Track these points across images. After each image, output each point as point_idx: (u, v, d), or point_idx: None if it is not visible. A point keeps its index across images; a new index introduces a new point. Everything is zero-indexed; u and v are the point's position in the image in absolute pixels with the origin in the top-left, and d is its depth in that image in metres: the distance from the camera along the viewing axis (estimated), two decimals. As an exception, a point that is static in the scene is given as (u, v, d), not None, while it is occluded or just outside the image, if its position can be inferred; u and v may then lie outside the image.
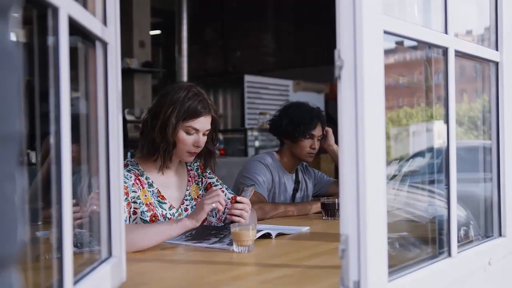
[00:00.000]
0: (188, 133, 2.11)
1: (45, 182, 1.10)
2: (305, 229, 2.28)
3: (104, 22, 1.31)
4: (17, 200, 0.51)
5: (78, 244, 1.31)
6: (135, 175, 2.11)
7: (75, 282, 1.05)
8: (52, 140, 0.97)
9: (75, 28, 1.08)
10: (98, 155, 1.32)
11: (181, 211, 2.21)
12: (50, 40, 0.98)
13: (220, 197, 1.94)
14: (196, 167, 2.34)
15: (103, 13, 1.31)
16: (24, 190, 0.52)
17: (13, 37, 0.53)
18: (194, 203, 2.26)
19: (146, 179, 2.14)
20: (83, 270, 1.17)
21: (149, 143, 2.13)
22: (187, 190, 2.26)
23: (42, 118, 0.99)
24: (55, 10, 0.96)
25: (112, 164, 1.33)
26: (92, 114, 1.31)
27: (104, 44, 1.31)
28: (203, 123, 2.12)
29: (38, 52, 1.01)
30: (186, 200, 2.25)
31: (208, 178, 2.34)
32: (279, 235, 2.11)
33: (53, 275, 0.99)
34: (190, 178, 2.29)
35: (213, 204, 1.92)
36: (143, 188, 2.11)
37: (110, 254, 1.33)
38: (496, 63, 1.74)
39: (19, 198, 0.51)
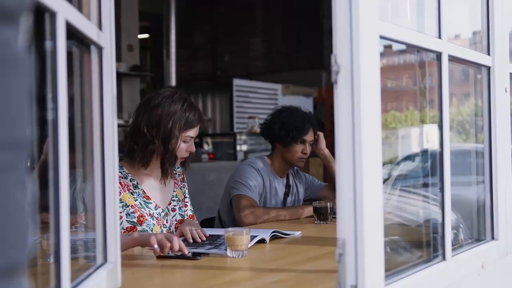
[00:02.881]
0: (185, 141, 2.21)
1: (38, 187, 1.09)
2: (297, 233, 2.28)
3: (99, 27, 1.30)
4: (27, 207, 0.51)
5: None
6: None
7: (72, 288, 1.04)
8: (50, 144, 0.96)
9: (71, 33, 1.07)
10: (93, 160, 1.31)
11: (168, 210, 2.27)
12: (47, 44, 0.97)
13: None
14: (178, 173, 2.40)
15: (98, 18, 1.31)
16: (34, 196, 0.52)
17: (22, 43, 0.52)
18: (181, 204, 2.34)
19: (130, 181, 2.19)
20: (78, 275, 1.16)
21: (149, 154, 2.15)
22: (174, 191, 2.33)
23: (37, 123, 0.98)
24: (53, 14, 0.95)
25: (107, 169, 1.32)
26: (87, 119, 1.30)
27: (100, 49, 1.30)
28: (197, 130, 2.25)
29: (34, 57, 1.00)
30: (174, 200, 2.32)
31: (186, 188, 2.43)
32: (274, 238, 2.11)
33: (49, 281, 0.98)
34: (176, 181, 2.37)
35: (155, 246, 1.72)
36: (127, 190, 2.15)
37: (105, 259, 1.32)
38: (488, 68, 1.75)
39: (29, 204, 0.51)
